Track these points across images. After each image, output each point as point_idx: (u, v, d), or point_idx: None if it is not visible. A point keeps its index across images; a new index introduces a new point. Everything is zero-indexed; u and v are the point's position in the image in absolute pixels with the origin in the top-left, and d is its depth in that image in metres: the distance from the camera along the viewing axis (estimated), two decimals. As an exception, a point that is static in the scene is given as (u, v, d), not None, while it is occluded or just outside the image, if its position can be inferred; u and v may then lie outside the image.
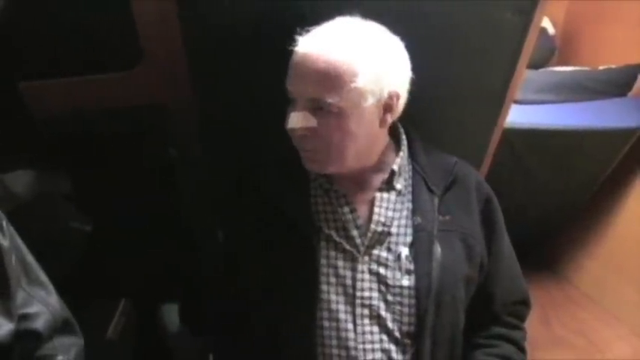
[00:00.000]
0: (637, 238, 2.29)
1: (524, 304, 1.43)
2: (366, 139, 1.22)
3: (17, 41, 1.45)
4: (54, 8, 1.42)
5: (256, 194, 1.33)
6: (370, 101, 1.16)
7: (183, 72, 1.43)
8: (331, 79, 1.11)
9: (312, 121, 1.16)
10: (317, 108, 1.15)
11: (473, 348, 1.35)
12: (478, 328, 1.37)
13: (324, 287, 1.24)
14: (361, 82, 1.13)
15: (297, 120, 1.16)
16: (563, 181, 2.35)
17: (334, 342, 1.24)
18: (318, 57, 1.12)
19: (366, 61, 1.14)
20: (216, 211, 1.68)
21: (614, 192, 2.42)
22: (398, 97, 1.20)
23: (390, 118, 1.23)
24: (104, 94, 1.46)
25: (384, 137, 1.30)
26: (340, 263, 1.25)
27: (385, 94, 1.17)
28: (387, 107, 1.20)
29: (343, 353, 1.23)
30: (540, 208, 2.48)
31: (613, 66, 2.48)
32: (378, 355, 1.23)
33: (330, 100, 1.12)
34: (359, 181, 1.30)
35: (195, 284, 1.50)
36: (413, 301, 1.23)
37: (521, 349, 1.38)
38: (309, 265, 1.24)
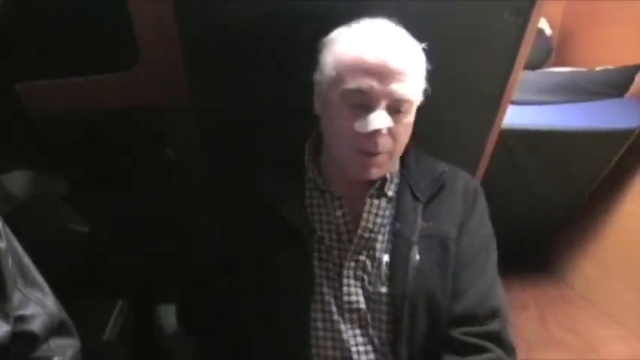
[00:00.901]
0: (633, 239, 2.29)
1: (493, 315, 1.25)
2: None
3: (14, 41, 1.44)
4: (51, 8, 1.42)
5: (252, 195, 1.32)
6: (419, 99, 1.20)
7: (180, 73, 1.43)
8: (408, 75, 1.14)
9: (390, 121, 1.15)
10: (395, 107, 1.15)
11: None
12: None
13: (318, 288, 1.24)
14: (420, 77, 1.18)
15: (381, 120, 1.13)
16: (559, 182, 2.35)
17: (329, 343, 1.24)
18: (397, 52, 1.14)
19: (420, 58, 1.19)
20: (213, 211, 1.68)
21: (611, 192, 2.42)
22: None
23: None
24: (101, 94, 1.46)
25: None
26: (330, 266, 1.26)
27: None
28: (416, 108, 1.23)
29: (338, 354, 1.24)
30: (537, 208, 2.48)
31: (610, 67, 2.48)
32: (372, 356, 1.23)
33: (410, 97, 1.15)
34: (355, 185, 1.28)
35: (193, 285, 1.50)
36: (391, 309, 1.22)
37: None
38: (304, 265, 1.24)
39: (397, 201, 1.30)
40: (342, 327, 1.24)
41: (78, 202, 1.66)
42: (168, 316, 1.81)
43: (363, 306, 1.23)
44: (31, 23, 1.44)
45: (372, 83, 1.12)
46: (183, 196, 1.71)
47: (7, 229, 0.98)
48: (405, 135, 1.21)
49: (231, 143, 1.57)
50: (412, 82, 1.15)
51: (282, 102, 1.24)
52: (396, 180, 1.33)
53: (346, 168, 1.24)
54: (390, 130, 1.15)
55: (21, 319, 0.94)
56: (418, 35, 1.20)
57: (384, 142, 1.16)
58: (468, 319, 1.24)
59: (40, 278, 1.03)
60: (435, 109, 1.28)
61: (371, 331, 1.23)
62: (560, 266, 2.67)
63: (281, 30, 1.32)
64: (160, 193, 1.72)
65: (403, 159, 1.35)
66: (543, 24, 2.97)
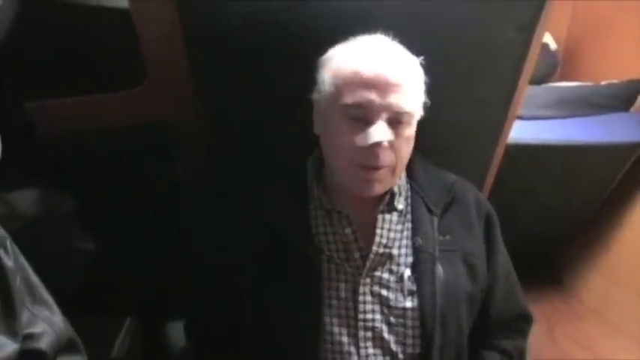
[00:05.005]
0: (641, 253, 2.28)
1: (524, 319, 1.43)
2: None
3: (22, 61, 1.46)
4: (57, 28, 1.43)
5: (258, 215, 1.32)
6: (420, 113, 1.21)
7: (187, 89, 1.44)
8: (406, 87, 1.14)
9: (391, 134, 1.15)
10: (396, 120, 1.15)
11: None
12: (472, 343, 1.35)
13: (326, 310, 1.23)
14: (419, 90, 1.19)
15: (381, 133, 1.13)
16: (567, 196, 2.35)
17: None
18: (394, 66, 1.14)
19: (419, 71, 1.19)
20: (222, 228, 1.68)
21: (619, 206, 2.42)
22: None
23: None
24: (109, 112, 1.46)
25: None
26: (342, 285, 1.24)
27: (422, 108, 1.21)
28: (417, 123, 1.23)
29: None
30: (544, 223, 2.48)
31: (615, 81, 2.48)
32: None
33: (409, 110, 1.15)
34: (361, 202, 1.27)
35: (201, 302, 1.50)
36: (417, 323, 1.22)
37: (510, 357, 1.36)
38: (311, 288, 1.23)
39: (412, 215, 1.30)
40: (352, 349, 1.22)
41: (85, 220, 1.66)
42: (176, 333, 1.81)
43: (378, 324, 1.23)
44: (39, 43, 1.45)
45: (370, 97, 1.13)
46: (192, 213, 1.72)
47: (15, 247, 0.98)
48: (406, 149, 1.21)
49: (239, 159, 1.58)
50: (411, 95, 1.15)
51: (289, 120, 1.25)
52: (405, 193, 1.33)
53: (348, 185, 1.23)
54: (391, 143, 1.15)
55: (29, 337, 0.94)
56: (422, 51, 1.21)
57: (386, 156, 1.16)
58: (501, 322, 1.36)
59: (47, 296, 1.03)
60: (441, 125, 1.28)
61: (393, 347, 1.22)
62: (570, 280, 2.66)
63: (290, 48, 1.32)
64: (168, 209, 1.72)
65: (410, 171, 1.35)
66: (548, 39, 2.97)
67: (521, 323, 1.43)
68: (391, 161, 1.18)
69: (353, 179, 1.21)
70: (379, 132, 1.13)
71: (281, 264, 1.26)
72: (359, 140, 1.14)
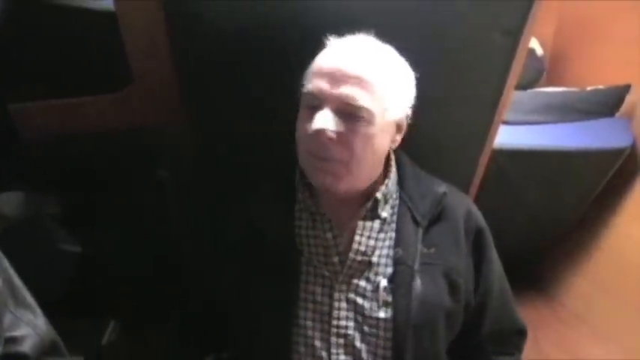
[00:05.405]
0: (626, 258, 2.29)
1: (519, 334, 1.43)
2: (379, 157, 1.22)
3: (6, 63, 1.45)
4: (43, 30, 1.43)
5: (242, 214, 1.32)
6: (392, 115, 1.18)
7: (173, 92, 1.43)
8: (367, 83, 1.12)
9: (339, 125, 1.13)
10: (347, 113, 1.13)
11: None
12: (465, 357, 1.36)
13: (302, 312, 1.24)
14: (391, 92, 1.15)
15: (325, 120, 1.12)
16: (552, 201, 2.36)
17: None
18: (355, 60, 1.13)
19: (397, 74, 1.17)
20: (206, 231, 1.68)
21: (604, 212, 2.43)
22: (408, 118, 1.22)
23: (398, 139, 1.24)
24: (94, 115, 1.46)
25: (383, 160, 1.29)
26: (318, 289, 1.24)
27: (403, 112, 1.20)
28: (399, 127, 1.22)
29: None
30: (529, 228, 2.49)
31: (601, 87, 2.50)
32: None
33: (363, 104, 1.12)
34: (346, 206, 1.27)
35: (184, 305, 1.50)
36: (389, 334, 1.21)
37: None
38: (286, 287, 1.23)
39: (397, 225, 1.28)
40: (324, 354, 1.23)
41: (70, 222, 1.66)
42: (160, 336, 1.81)
43: (351, 331, 1.23)
44: (24, 44, 1.44)
45: (322, 85, 1.13)
46: (176, 216, 1.71)
47: (-2, 250, 0.98)
48: (362, 147, 1.15)
49: (226, 162, 1.58)
50: (374, 92, 1.13)
51: (277, 120, 1.25)
52: (392, 201, 1.31)
53: (307, 174, 1.24)
54: (339, 135, 1.13)
55: (12, 340, 0.94)
56: (408, 53, 1.21)
57: (334, 149, 1.14)
58: (494, 337, 1.36)
59: (30, 299, 1.03)
60: (427, 129, 1.28)
61: (364, 356, 1.22)
62: (553, 285, 2.67)
63: (276, 51, 1.32)
64: (152, 213, 1.72)
65: (401, 179, 1.34)
66: (534, 44, 2.99)
67: (516, 338, 1.43)
68: (342, 156, 1.15)
69: (307, 167, 1.22)
70: (322, 120, 1.12)
71: (261, 261, 1.26)
72: (308, 127, 1.15)
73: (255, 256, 1.27)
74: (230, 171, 1.57)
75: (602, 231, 2.43)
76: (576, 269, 2.56)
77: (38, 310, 1.03)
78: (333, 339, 1.23)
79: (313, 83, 1.15)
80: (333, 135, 1.13)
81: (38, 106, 1.43)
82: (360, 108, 1.12)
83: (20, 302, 1.00)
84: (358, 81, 1.12)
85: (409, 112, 1.22)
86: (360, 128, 1.14)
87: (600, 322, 2.37)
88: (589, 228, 2.49)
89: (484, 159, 1.66)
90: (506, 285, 1.41)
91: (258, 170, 1.42)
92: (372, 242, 1.26)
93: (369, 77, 1.12)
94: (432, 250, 1.26)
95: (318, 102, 1.14)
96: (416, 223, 1.28)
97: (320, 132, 1.12)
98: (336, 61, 1.14)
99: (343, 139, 1.14)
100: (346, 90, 1.11)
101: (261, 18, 1.31)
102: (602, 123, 2.33)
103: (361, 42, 1.19)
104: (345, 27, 1.22)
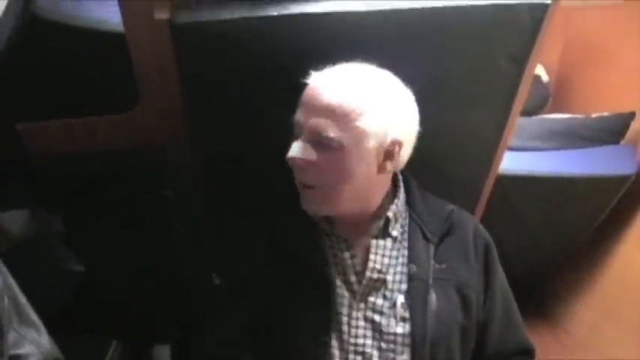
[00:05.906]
0: (631, 285, 2.28)
1: (527, 354, 1.41)
2: (362, 182, 1.22)
3: (15, 82, 1.46)
4: (51, 50, 1.44)
5: (264, 236, 1.34)
6: (372, 143, 1.17)
7: (180, 113, 1.44)
8: (336, 114, 1.14)
9: (311, 154, 1.17)
10: (319, 142, 1.16)
11: None
12: None
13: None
14: (365, 122, 1.15)
15: (297, 150, 1.18)
16: (556, 228, 2.35)
17: None
18: (327, 91, 1.15)
19: (374, 104, 1.16)
20: (211, 252, 1.68)
21: (608, 238, 2.42)
22: (401, 145, 1.21)
23: (390, 166, 1.23)
24: (101, 135, 1.46)
25: (384, 184, 1.30)
26: (339, 308, 1.25)
27: (388, 140, 1.19)
28: (388, 154, 1.21)
29: None
30: (534, 254, 2.48)
31: (606, 113, 2.50)
32: None
33: (332, 135, 1.14)
34: (358, 226, 1.29)
35: (188, 326, 1.50)
36: (407, 349, 1.22)
37: None
38: (324, 308, 1.24)
39: (409, 242, 1.31)
40: None
41: (75, 241, 1.66)
42: (163, 356, 1.80)
43: (369, 349, 1.23)
44: (32, 64, 1.45)
45: (299, 116, 1.19)
46: (180, 237, 1.71)
47: (4, 267, 0.98)
48: (337, 175, 1.18)
49: (234, 182, 1.58)
50: (346, 123, 1.14)
51: (280, 144, 1.25)
52: (402, 220, 1.33)
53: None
54: (314, 164, 1.18)
55: (16, 358, 0.94)
56: (412, 79, 1.22)
57: (307, 175, 1.20)
58: (495, 352, 1.34)
59: (35, 317, 1.03)
60: (432, 155, 1.29)
61: None
62: (558, 312, 2.66)
63: (282, 72, 1.33)
64: (157, 233, 1.72)
65: (409, 199, 1.36)
66: (540, 70, 3.00)
67: (523, 358, 1.41)
68: (316, 182, 1.20)
69: (299, 193, 1.26)
70: (294, 149, 1.18)
71: (293, 279, 1.27)
72: None
73: (283, 270, 1.28)
74: (233, 192, 1.58)
75: (607, 258, 2.42)
76: (580, 296, 2.55)
77: (42, 329, 1.03)
78: (351, 356, 1.23)
79: (296, 113, 1.20)
80: (303, 164, 1.18)
81: (45, 125, 1.44)
82: (328, 138, 1.15)
83: (25, 320, 1.00)
84: (328, 112, 1.14)
85: (405, 139, 1.22)
86: (331, 157, 1.17)
87: (605, 349, 2.35)
88: (593, 254, 2.48)
89: (489, 184, 1.66)
90: (513, 302, 1.41)
91: (260, 195, 1.43)
92: (386, 260, 1.28)
93: (340, 108, 1.14)
94: (444, 266, 1.29)
95: (298, 131, 1.20)
96: (426, 239, 1.31)
97: (291, 160, 1.18)
98: (312, 91, 1.17)
99: (317, 168, 1.18)
100: (315, 121, 1.15)
101: (265, 41, 1.32)
102: (607, 150, 2.33)
103: (346, 72, 1.20)
104: (350, 50, 1.23)
